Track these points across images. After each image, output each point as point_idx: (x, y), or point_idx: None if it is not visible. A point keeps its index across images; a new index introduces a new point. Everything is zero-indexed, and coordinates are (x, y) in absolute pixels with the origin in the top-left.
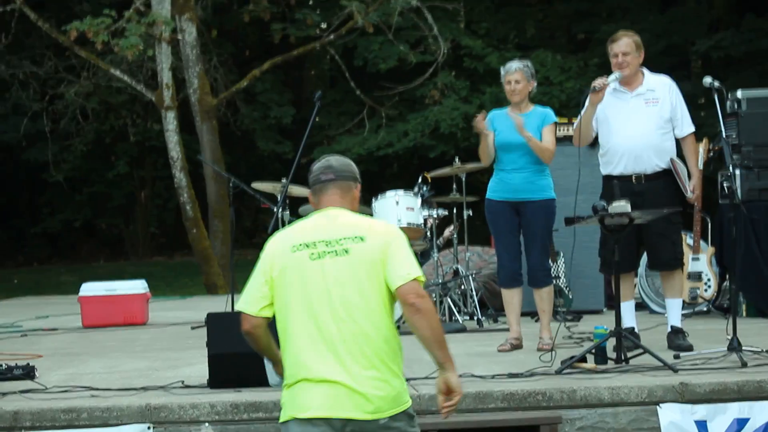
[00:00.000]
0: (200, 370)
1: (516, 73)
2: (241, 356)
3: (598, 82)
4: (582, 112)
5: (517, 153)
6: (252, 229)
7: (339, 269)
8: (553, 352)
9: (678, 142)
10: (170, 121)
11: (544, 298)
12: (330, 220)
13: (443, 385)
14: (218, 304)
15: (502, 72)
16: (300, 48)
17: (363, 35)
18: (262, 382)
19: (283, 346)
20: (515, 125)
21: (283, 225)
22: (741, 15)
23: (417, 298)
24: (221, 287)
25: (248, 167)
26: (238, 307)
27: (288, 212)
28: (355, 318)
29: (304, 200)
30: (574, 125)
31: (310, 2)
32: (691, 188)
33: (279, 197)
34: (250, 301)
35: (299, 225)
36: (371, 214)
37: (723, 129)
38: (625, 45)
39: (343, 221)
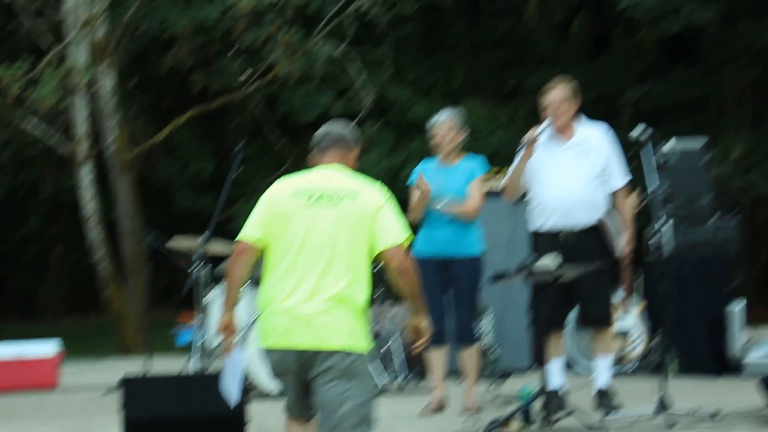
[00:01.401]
0: None
1: (444, 124)
2: (157, 422)
3: (528, 137)
4: (513, 166)
5: None
6: (169, 288)
7: (328, 219)
8: (479, 415)
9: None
10: (85, 175)
11: (469, 357)
12: (326, 176)
13: (415, 327)
14: (133, 365)
15: (429, 125)
16: (221, 98)
17: (286, 85)
18: None
19: (266, 277)
20: (425, 197)
21: (201, 284)
22: (671, 64)
23: (401, 261)
24: (136, 348)
25: (166, 222)
26: (239, 237)
27: (207, 270)
28: (331, 263)
29: (224, 258)
30: (504, 179)
31: (231, 52)
32: (624, 242)
33: (197, 255)
34: (249, 230)
35: (300, 176)
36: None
37: (652, 182)
38: (557, 96)
39: (340, 179)
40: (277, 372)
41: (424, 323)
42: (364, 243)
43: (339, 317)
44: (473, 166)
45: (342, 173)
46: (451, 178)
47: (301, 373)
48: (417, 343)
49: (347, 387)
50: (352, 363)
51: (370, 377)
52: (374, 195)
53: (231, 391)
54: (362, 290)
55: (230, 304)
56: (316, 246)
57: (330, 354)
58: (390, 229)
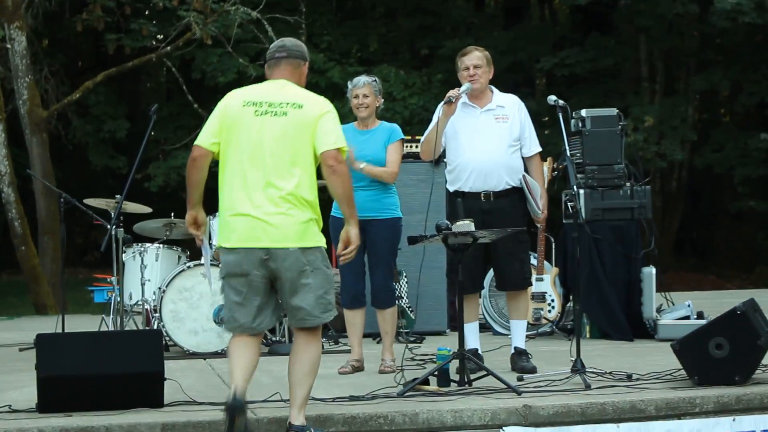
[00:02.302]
0: (28, 394)
1: (364, 87)
2: (73, 379)
3: (451, 93)
4: (432, 124)
5: None
6: (83, 247)
7: (275, 127)
8: (399, 374)
9: (524, 162)
10: None
11: (387, 319)
12: (278, 88)
13: (345, 235)
14: (48, 324)
15: (350, 86)
16: (135, 59)
17: (201, 47)
18: (93, 405)
19: (220, 185)
20: (348, 159)
21: (117, 243)
22: (586, 33)
23: (336, 162)
24: (51, 307)
25: (80, 182)
26: (195, 142)
27: (122, 229)
28: (279, 167)
29: (139, 217)
30: (422, 139)
31: (147, 12)
32: (540, 208)
33: (113, 214)
34: (204, 136)
35: (253, 87)
36: (210, 234)
37: (567, 148)
38: (476, 58)
39: (288, 90)
40: (238, 272)
41: (354, 232)
42: (309, 147)
43: (293, 216)
44: (390, 130)
45: (290, 86)
46: (368, 142)
47: (261, 271)
48: (344, 253)
49: (309, 280)
50: (310, 257)
51: (327, 268)
52: (318, 104)
53: (209, 276)
54: (312, 190)
55: (192, 202)
56: (267, 151)
57: (289, 251)
58: (329, 134)
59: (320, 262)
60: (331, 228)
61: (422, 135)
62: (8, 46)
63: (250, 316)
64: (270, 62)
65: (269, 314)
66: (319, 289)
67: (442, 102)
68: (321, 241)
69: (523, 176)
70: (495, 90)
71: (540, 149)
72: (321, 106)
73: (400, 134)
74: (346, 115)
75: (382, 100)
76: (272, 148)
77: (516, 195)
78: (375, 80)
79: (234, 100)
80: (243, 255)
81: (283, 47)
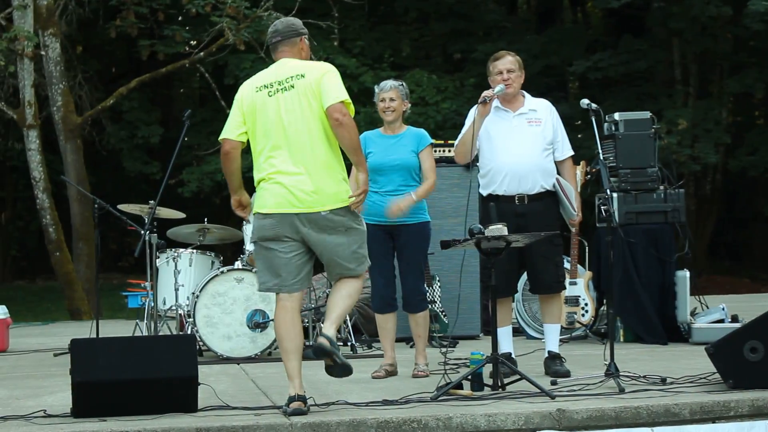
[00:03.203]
0: (63, 399)
1: (391, 91)
2: (107, 384)
3: (486, 93)
4: (465, 127)
5: (391, 175)
6: (117, 252)
7: (288, 100)
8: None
9: (557, 166)
10: (32, 140)
11: (419, 323)
12: (281, 66)
13: (354, 181)
14: (82, 329)
15: (377, 90)
16: (169, 65)
17: (234, 53)
18: (127, 410)
19: (254, 160)
20: (388, 211)
21: (151, 248)
22: (618, 36)
23: (341, 115)
24: (85, 312)
25: (114, 188)
26: (221, 136)
27: (156, 235)
28: (300, 135)
29: (172, 222)
30: (457, 141)
31: (180, 18)
32: (574, 211)
33: (146, 219)
34: (230, 129)
35: (260, 73)
36: (242, 239)
37: (600, 151)
38: (509, 62)
39: (290, 65)
40: (272, 236)
41: (363, 177)
42: (321, 110)
43: (320, 182)
44: (419, 135)
45: (291, 61)
46: (396, 146)
47: (296, 232)
48: (355, 195)
49: (343, 238)
50: (342, 217)
51: (360, 224)
52: (317, 68)
53: None
54: (334, 152)
55: (234, 188)
56: (287, 126)
57: (320, 215)
58: (330, 91)
59: (351, 220)
60: None
61: (455, 139)
62: (42, 52)
63: (289, 276)
64: (270, 48)
65: (305, 275)
66: (353, 245)
67: (477, 104)
68: (347, 199)
69: (557, 179)
70: (527, 95)
71: (572, 153)
72: (320, 68)
73: (429, 139)
74: (377, 120)
75: (409, 104)
76: (290, 120)
77: (549, 198)
78: (402, 84)
79: (247, 89)
80: (278, 219)
81: (276, 32)
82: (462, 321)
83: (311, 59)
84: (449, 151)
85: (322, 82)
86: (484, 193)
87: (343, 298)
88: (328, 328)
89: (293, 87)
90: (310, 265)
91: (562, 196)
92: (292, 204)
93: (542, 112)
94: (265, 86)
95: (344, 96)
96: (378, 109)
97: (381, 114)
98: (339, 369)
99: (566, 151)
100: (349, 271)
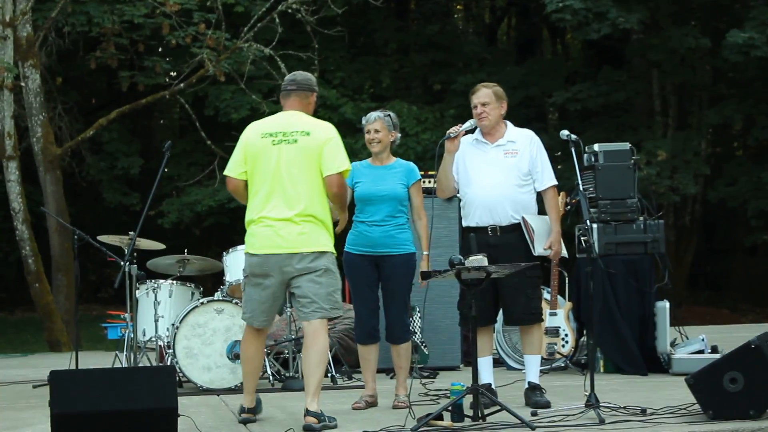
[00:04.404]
0: (43, 431)
1: (376, 122)
2: (87, 416)
3: (452, 130)
4: (440, 163)
5: (380, 205)
6: (97, 284)
7: (289, 153)
8: (410, 410)
9: (540, 196)
10: (12, 172)
11: (401, 354)
12: (288, 118)
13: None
14: (62, 361)
15: (363, 122)
16: (149, 96)
17: (214, 84)
18: None
19: (249, 199)
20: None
21: (130, 279)
22: (597, 68)
23: (337, 188)
24: (65, 344)
25: (94, 219)
26: (225, 172)
27: (135, 266)
28: (296, 186)
29: (152, 253)
30: (436, 177)
31: (160, 49)
32: (548, 244)
33: (126, 250)
34: (232, 167)
35: (268, 119)
36: (222, 270)
37: (580, 182)
38: (484, 95)
39: (297, 119)
40: (259, 273)
41: (344, 216)
42: (317, 169)
43: (307, 228)
44: (408, 169)
45: (299, 115)
46: (384, 178)
47: (278, 272)
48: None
49: (323, 278)
50: (322, 261)
51: (336, 271)
52: (323, 130)
53: None
54: (323, 206)
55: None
56: (284, 175)
57: (303, 255)
58: (333, 159)
59: (330, 265)
60: (344, 263)
61: (435, 170)
62: (22, 84)
63: (261, 312)
64: (282, 94)
65: (274, 313)
66: (330, 287)
67: (443, 138)
68: (330, 248)
69: (523, 217)
70: (509, 125)
71: (555, 183)
72: (325, 132)
73: (418, 174)
74: (359, 151)
75: (398, 134)
76: (288, 171)
77: (522, 230)
78: (389, 115)
79: (253, 133)
80: (265, 258)
81: (293, 81)
82: (442, 352)
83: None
84: (430, 182)
85: (324, 149)
86: (464, 224)
87: (316, 367)
88: (311, 403)
89: (296, 141)
90: (281, 302)
91: (525, 234)
92: (278, 245)
93: (521, 142)
94: (270, 134)
95: (345, 166)
96: (365, 141)
97: (368, 145)
98: None
99: (546, 180)
100: (322, 311)
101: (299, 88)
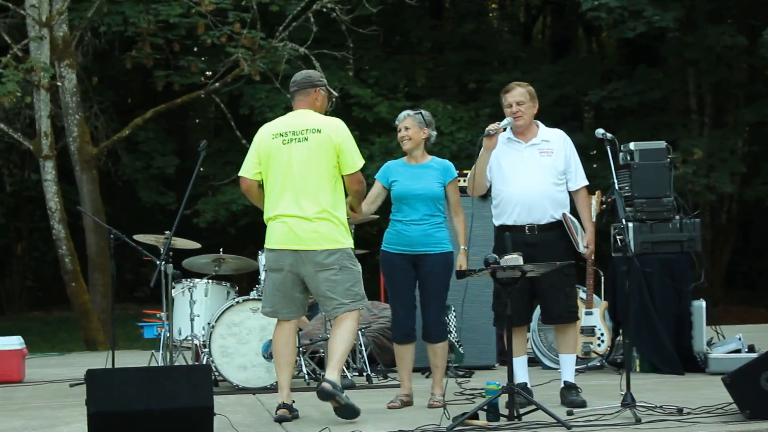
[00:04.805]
0: (79, 430)
1: (406, 120)
2: (123, 415)
3: (491, 127)
4: (476, 160)
5: (416, 205)
6: (133, 283)
7: (300, 151)
8: (445, 409)
9: (571, 196)
10: (48, 171)
11: (438, 353)
12: (297, 117)
13: (351, 206)
14: (98, 360)
15: (396, 122)
16: (184, 96)
17: (249, 83)
18: None
19: (266, 199)
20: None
21: (166, 278)
22: (633, 66)
23: (359, 185)
24: (101, 343)
25: (130, 219)
26: (239, 173)
27: (171, 265)
28: (307, 184)
29: (188, 253)
30: (468, 175)
31: (195, 49)
32: (585, 243)
33: (162, 250)
34: (246, 168)
35: (278, 120)
36: (257, 269)
37: (615, 181)
38: (519, 94)
39: (306, 118)
40: (275, 267)
41: (360, 209)
42: (330, 166)
43: (321, 226)
44: (445, 167)
45: (307, 113)
46: (421, 177)
47: (294, 267)
48: (352, 215)
49: (337, 276)
50: (337, 256)
51: (354, 265)
52: (333, 128)
53: None
54: (336, 202)
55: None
56: (296, 174)
57: (316, 252)
58: (350, 157)
59: (346, 260)
60: (381, 262)
61: (469, 169)
62: (59, 83)
63: (283, 304)
64: (291, 97)
65: (300, 306)
66: (347, 282)
67: (482, 135)
68: (345, 243)
69: (564, 214)
70: (541, 125)
71: (587, 183)
72: (336, 129)
73: (455, 172)
74: (394, 150)
75: (432, 132)
76: (300, 170)
77: (561, 228)
78: (420, 113)
79: (265, 134)
80: (281, 253)
81: (294, 82)
82: (478, 351)
83: (330, 104)
84: (464, 181)
85: (342, 148)
86: (497, 223)
87: (340, 342)
88: (330, 373)
89: (307, 140)
90: (305, 296)
91: (568, 233)
92: (293, 241)
93: (555, 142)
94: (280, 134)
95: (361, 162)
96: (398, 139)
97: (400, 143)
98: (345, 410)
99: (580, 181)
100: (343, 306)
101: (300, 87)
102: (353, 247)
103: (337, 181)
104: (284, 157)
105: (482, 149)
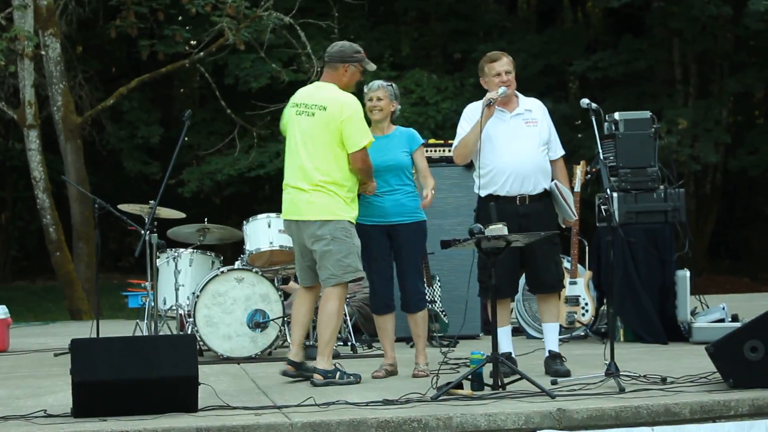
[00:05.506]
0: (64, 399)
1: (379, 90)
2: (107, 384)
3: (491, 95)
4: (460, 128)
5: (386, 176)
6: (118, 252)
7: (306, 125)
8: (433, 379)
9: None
10: (33, 140)
11: (418, 323)
12: (315, 90)
13: (363, 186)
14: (83, 329)
15: (366, 90)
16: (169, 65)
17: (234, 52)
18: (127, 410)
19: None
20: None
21: (151, 248)
22: (618, 36)
23: (362, 163)
24: (85, 312)
25: (114, 188)
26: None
27: (156, 235)
28: (310, 157)
29: (173, 222)
30: (456, 143)
31: (180, 18)
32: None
33: (146, 219)
34: (282, 126)
35: (301, 89)
36: (242, 239)
37: (600, 151)
38: (506, 64)
39: (321, 93)
40: (289, 235)
41: (373, 185)
42: (333, 142)
43: (316, 197)
44: (409, 135)
45: (325, 87)
46: (386, 147)
47: (299, 237)
48: (367, 190)
49: (330, 246)
50: (330, 228)
51: (348, 237)
52: (339, 106)
53: None
54: (339, 174)
55: None
56: (299, 145)
57: (311, 223)
58: (354, 135)
59: (339, 232)
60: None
61: (453, 140)
62: (43, 52)
63: (302, 272)
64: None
65: (312, 274)
66: (339, 254)
67: (472, 104)
68: (341, 215)
69: (555, 183)
70: (519, 95)
71: (564, 153)
72: (342, 108)
73: (420, 139)
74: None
75: (398, 105)
76: (305, 142)
77: (548, 198)
78: (391, 85)
79: (291, 101)
80: (287, 224)
81: (327, 53)
82: (462, 320)
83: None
84: (449, 150)
85: (346, 125)
86: (483, 193)
87: (325, 326)
88: (320, 362)
89: (313, 115)
90: (312, 263)
91: (561, 200)
92: (293, 212)
93: (536, 111)
94: (296, 104)
95: (366, 140)
96: (366, 109)
97: (368, 113)
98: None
99: (559, 150)
100: (334, 277)
101: (330, 59)
102: (352, 220)
103: (344, 156)
104: (294, 127)
105: (482, 117)
